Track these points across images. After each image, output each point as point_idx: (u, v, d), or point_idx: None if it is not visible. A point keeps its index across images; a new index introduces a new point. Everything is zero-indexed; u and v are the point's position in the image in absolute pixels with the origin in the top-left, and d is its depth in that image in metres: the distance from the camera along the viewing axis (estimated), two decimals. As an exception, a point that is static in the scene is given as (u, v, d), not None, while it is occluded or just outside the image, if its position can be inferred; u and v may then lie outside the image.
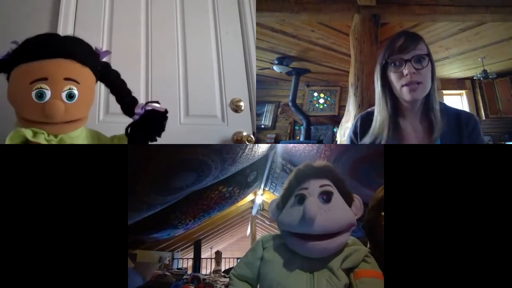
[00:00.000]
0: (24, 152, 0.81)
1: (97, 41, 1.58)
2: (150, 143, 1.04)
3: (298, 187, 0.83)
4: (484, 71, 2.99)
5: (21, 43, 0.95)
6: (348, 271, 0.76)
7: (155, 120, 1.02)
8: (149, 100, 1.61)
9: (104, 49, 1.07)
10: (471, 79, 3.28)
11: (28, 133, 0.89)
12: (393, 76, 1.06)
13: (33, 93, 0.88)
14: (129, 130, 1.03)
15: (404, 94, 1.04)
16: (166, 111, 1.04)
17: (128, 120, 1.06)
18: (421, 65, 1.03)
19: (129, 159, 0.83)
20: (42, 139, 0.91)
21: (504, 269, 0.76)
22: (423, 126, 1.08)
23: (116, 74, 1.06)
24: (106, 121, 1.47)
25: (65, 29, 1.54)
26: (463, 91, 3.36)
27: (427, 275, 0.77)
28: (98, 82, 1.06)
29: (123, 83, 1.06)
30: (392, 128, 1.07)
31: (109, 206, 0.79)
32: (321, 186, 0.80)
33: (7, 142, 0.88)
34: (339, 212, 0.78)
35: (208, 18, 1.87)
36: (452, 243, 0.78)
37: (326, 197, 0.79)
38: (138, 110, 1.02)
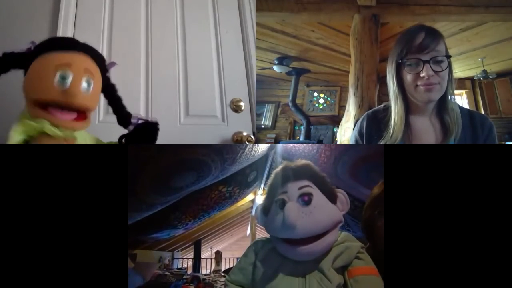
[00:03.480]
0: (24, 152, 0.81)
1: (97, 41, 1.58)
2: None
3: (279, 191, 0.81)
4: (484, 71, 2.98)
5: (44, 40, 1.02)
6: (343, 270, 0.76)
7: (148, 131, 1.12)
8: (149, 100, 1.62)
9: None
10: (471, 79, 3.27)
11: (31, 124, 0.93)
12: (408, 76, 1.00)
13: (57, 75, 0.94)
14: (123, 140, 1.11)
15: (420, 94, 0.99)
16: (157, 123, 1.14)
17: None
18: (440, 67, 0.97)
19: (129, 159, 0.83)
20: (46, 127, 0.93)
21: (503, 267, 0.76)
22: (437, 126, 1.04)
23: (115, 87, 1.13)
24: (106, 121, 1.47)
25: (65, 29, 1.54)
26: (463, 91, 3.35)
27: (428, 275, 0.77)
28: None
29: (120, 97, 1.14)
30: (405, 128, 1.02)
31: (109, 206, 0.79)
32: (299, 188, 0.78)
33: (12, 137, 0.90)
34: (322, 213, 0.76)
35: (208, 18, 1.87)
36: (452, 245, 0.78)
37: (306, 199, 0.76)
38: (134, 120, 1.11)
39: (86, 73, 0.98)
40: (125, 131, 1.12)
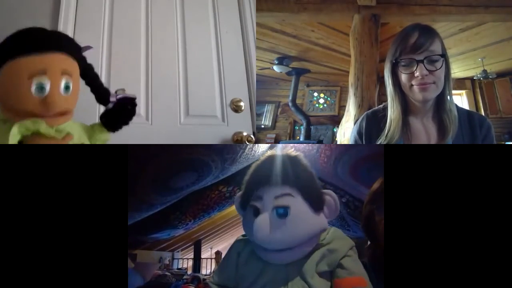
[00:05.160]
0: (23, 152, 0.81)
1: (97, 41, 1.58)
2: (122, 126, 1.11)
3: (254, 192, 0.73)
4: (484, 71, 2.98)
5: (10, 37, 0.94)
6: (331, 274, 0.72)
7: (127, 105, 1.09)
8: (149, 100, 1.62)
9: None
10: (471, 79, 3.27)
11: (27, 125, 0.89)
12: (403, 76, 1.00)
13: (33, 87, 0.88)
14: (104, 119, 1.08)
15: (415, 93, 0.99)
16: (135, 97, 1.11)
17: None
18: (434, 67, 0.96)
19: (129, 159, 0.83)
20: (43, 127, 0.91)
21: (503, 266, 0.76)
22: (434, 126, 1.03)
23: (91, 67, 1.09)
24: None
25: (65, 29, 1.53)
26: (463, 91, 3.35)
27: (427, 274, 0.77)
28: None
29: (97, 75, 1.10)
30: (402, 128, 1.01)
31: (109, 206, 0.79)
32: (276, 197, 0.70)
33: (11, 141, 0.87)
34: (299, 226, 0.70)
35: (208, 18, 1.87)
36: (452, 246, 0.78)
37: (281, 211, 0.69)
38: (112, 98, 1.08)
39: (63, 75, 0.93)
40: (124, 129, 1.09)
